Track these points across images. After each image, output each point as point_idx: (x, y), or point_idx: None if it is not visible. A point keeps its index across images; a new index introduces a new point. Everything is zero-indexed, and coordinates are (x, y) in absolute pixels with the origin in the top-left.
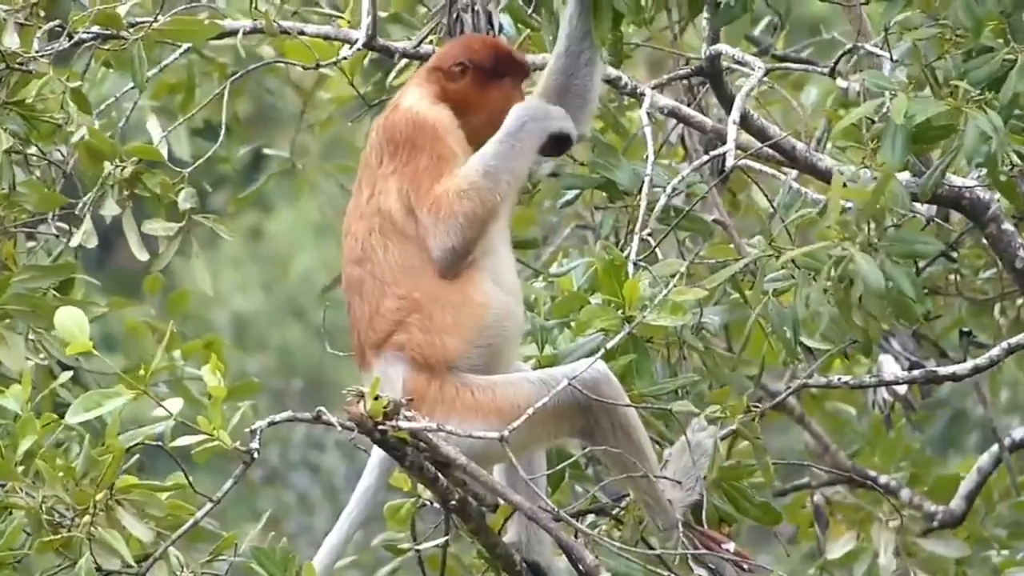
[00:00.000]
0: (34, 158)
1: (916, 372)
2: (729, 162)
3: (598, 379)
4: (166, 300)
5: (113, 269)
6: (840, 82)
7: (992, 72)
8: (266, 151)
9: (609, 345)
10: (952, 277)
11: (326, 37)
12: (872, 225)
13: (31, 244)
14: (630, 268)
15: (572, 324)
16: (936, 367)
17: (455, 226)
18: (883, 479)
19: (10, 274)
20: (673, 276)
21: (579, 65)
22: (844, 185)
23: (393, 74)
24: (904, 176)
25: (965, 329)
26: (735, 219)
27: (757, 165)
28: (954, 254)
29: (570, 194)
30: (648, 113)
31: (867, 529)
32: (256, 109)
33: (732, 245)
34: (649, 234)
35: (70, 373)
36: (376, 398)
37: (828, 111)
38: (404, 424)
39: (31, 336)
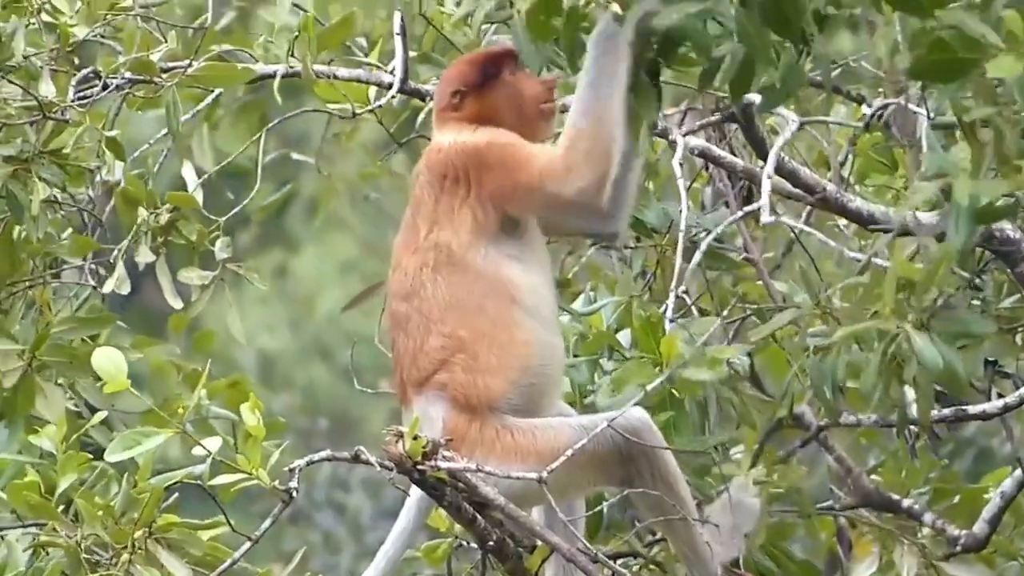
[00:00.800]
0: (68, 206)
1: (946, 411)
2: (764, 218)
3: (640, 428)
4: (191, 339)
5: (138, 308)
6: (865, 108)
7: None
8: (294, 155)
9: (649, 388)
10: (975, 303)
11: (357, 80)
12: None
13: (55, 284)
14: (667, 325)
15: (606, 373)
16: (965, 405)
17: (579, 169)
18: (906, 503)
19: (49, 327)
20: (708, 332)
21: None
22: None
23: (422, 116)
24: (930, 217)
25: (990, 359)
26: (760, 242)
27: (794, 224)
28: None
29: None
30: (680, 163)
31: (890, 551)
32: (284, 143)
33: (761, 281)
34: (685, 291)
35: (104, 414)
36: (415, 438)
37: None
38: (443, 464)
39: (60, 380)
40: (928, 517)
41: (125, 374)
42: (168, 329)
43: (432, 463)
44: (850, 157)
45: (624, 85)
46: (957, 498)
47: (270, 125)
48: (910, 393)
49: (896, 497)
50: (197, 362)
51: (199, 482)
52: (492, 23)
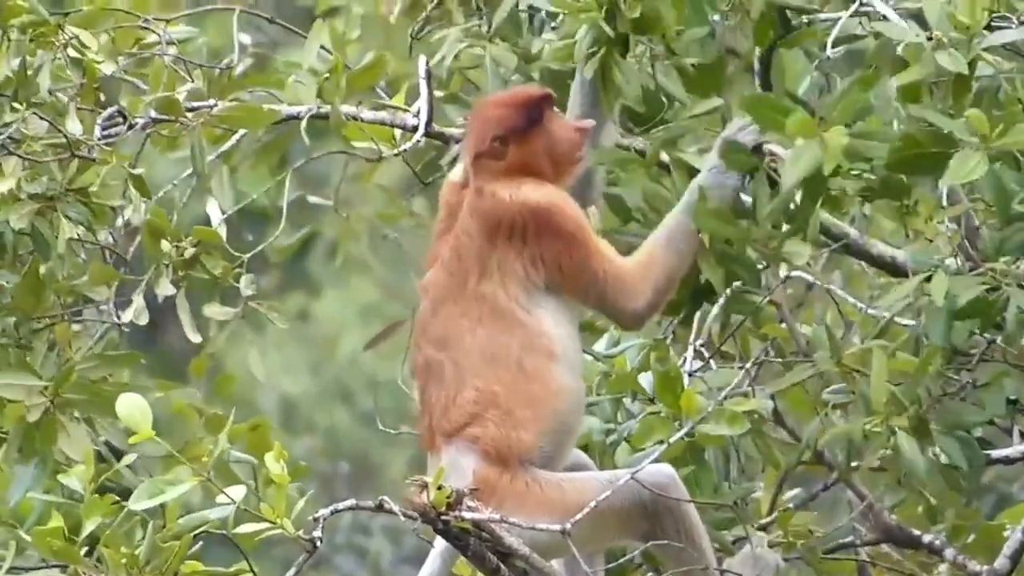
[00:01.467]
0: (92, 244)
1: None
2: (782, 273)
3: (666, 483)
4: (212, 383)
5: (158, 350)
6: None
7: None
8: (310, 199)
9: (660, 451)
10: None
11: (382, 123)
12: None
13: (77, 328)
14: (686, 380)
15: (631, 414)
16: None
17: (644, 292)
18: (927, 538)
19: (72, 364)
20: (728, 386)
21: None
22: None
23: (447, 158)
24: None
25: (1012, 397)
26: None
27: (810, 277)
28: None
29: None
30: None
31: None
32: (305, 184)
33: (783, 324)
34: (703, 345)
35: (132, 458)
36: (439, 488)
37: None
38: (467, 514)
39: (80, 416)
40: (950, 553)
41: (150, 423)
42: (189, 372)
43: (456, 513)
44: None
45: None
46: (972, 536)
47: (296, 166)
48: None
49: (917, 532)
50: (218, 405)
51: (224, 532)
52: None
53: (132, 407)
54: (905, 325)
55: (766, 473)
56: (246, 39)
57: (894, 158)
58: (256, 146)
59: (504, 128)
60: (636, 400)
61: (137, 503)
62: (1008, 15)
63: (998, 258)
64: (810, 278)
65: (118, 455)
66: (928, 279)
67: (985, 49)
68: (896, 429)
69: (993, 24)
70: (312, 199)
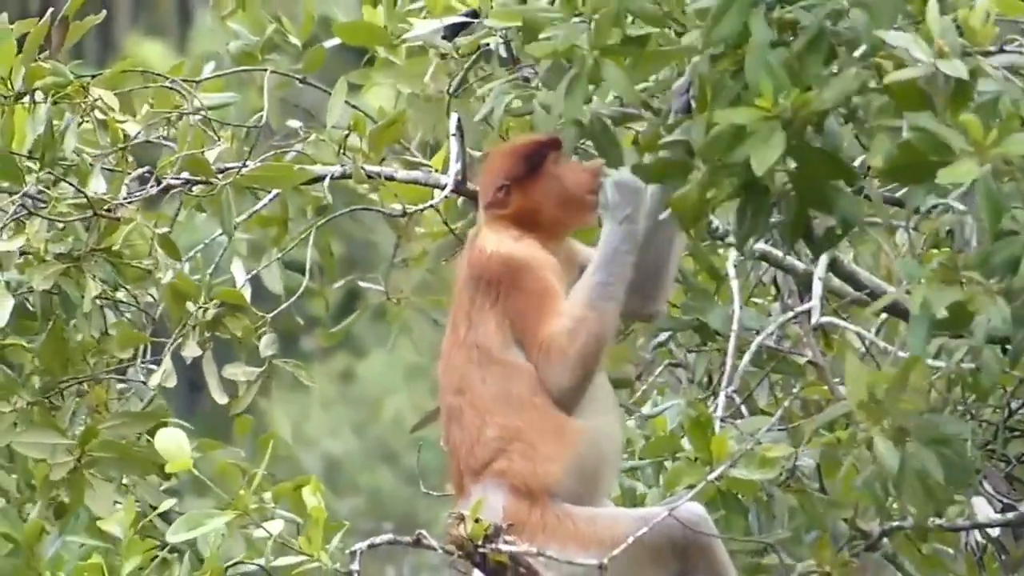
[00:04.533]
0: (123, 304)
1: (1011, 515)
2: (815, 319)
3: (698, 523)
4: (256, 442)
5: (202, 412)
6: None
7: (1013, 255)
8: (361, 283)
9: (696, 489)
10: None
11: (415, 183)
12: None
13: (122, 387)
14: (716, 425)
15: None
16: None
17: (569, 366)
18: None
19: (96, 422)
20: (760, 431)
21: (657, 238)
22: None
23: None
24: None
25: None
26: (830, 357)
27: (842, 323)
28: None
29: (663, 336)
30: (735, 265)
31: None
32: (348, 248)
33: (826, 386)
34: (735, 391)
35: (172, 501)
36: (477, 520)
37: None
38: (505, 547)
39: (124, 481)
40: None
41: (188, 454)
42: (233, 434)
43: (494, 546)
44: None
45: (630, 277)
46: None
47: (320, 222)
48: (981, 505)
49: None
50: (261, 465)
51: (260, 564)
52: (514, 115)
53: (170, 440)
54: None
55: (819, 540)
56: (296, 124)
57: (892, 165)
58: (304, 228)
59: (506, 176)
60: (676, 461)
61: (175, 535)
62: (1017, 37)
63: (981, 271)
64: (842, 323)
65: None
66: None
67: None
68: (875, 435)
69: (1005, 49)
70: (364, 284)
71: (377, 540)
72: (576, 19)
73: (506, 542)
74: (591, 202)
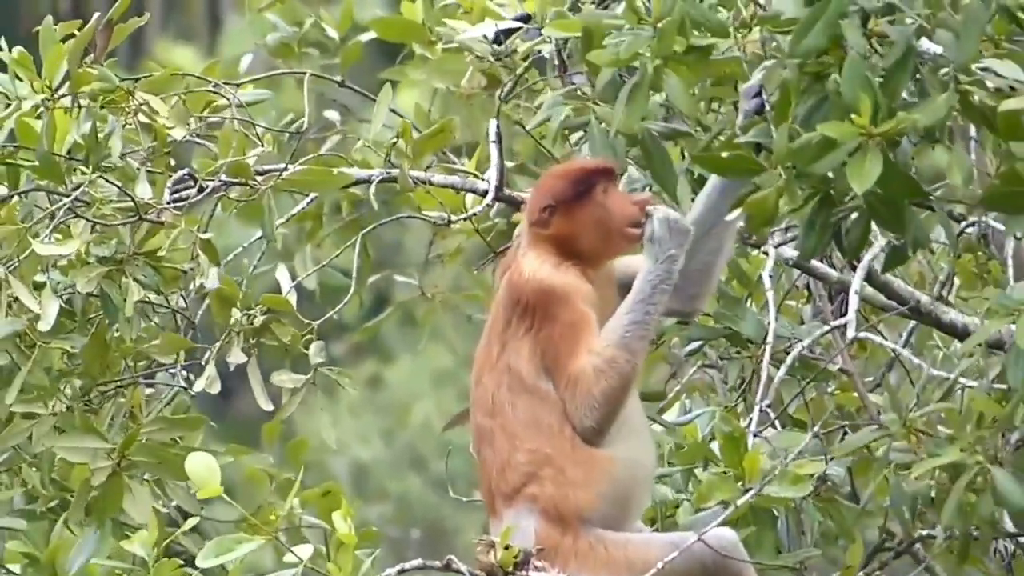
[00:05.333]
0: (159, 307)
1: None
2: (850, 334)
3: (729, 549)
4: (285, 448)
5: (231, 418)
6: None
7: None
8: (397, 278)
9: (726, 514)
10: None
11: (453, 187)
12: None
13: (150, 391)
14: (750, 440)
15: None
16: None
17: (594, 405)
18: None
19: (138, 426)
20: (799, 448)
21: (708, 242)
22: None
23: (518, 229)
24: None
25: None
26: (860, 361)
27: (877, 339)
28: None
29: (694, 344)
30: (770, 275)
31: None
32: (377, 249)
33: (856, 393)
34: (768, 406)
35: (196, 519)
36: (506, 547)
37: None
38: (534, 574)
39: (148, 478)
40: None
41: (219, 480)
42: (261, 437)
43: (524, 573)
44: (948, 273)
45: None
46: None
47: (365, 231)
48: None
49: None
50: (290, 471)
51: None
52: (569, 130)
53: (201, 465)
54: (970, 386)
55: (849, 550)
56: (334, 116)
57: (991, 193)
58: (338, 224)
59: (553, 198)
60: (707, 469)
61: (205, 561)
62: None
63: None
64: (877, 338)
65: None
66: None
67: None
68: (988, 465)
69: None
70: (399, 278)
71: (407, 565)
72: (640, 27)
73: (536, 568)
74: (633, 236)
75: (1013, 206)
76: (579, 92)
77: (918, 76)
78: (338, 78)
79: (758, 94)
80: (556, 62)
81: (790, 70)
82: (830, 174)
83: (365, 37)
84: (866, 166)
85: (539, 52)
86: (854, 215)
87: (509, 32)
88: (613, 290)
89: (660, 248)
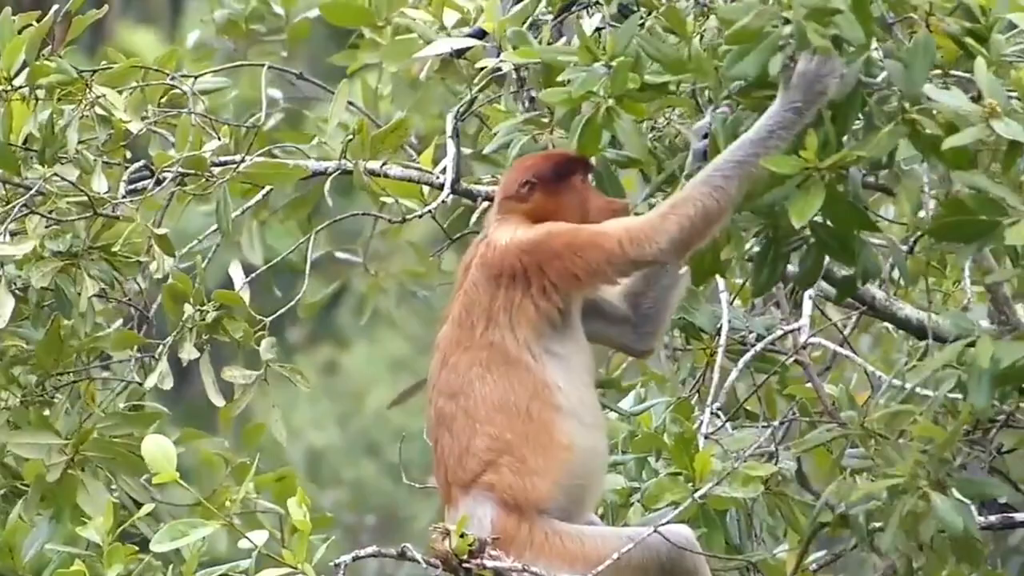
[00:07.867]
0: (111, 299)
1: (993, 517)
2: (802, 339)
3: (684, 544)
4: (240, 432)
5: (187, 401)
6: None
7: None
8: (338, 254)
9: (677, 511)
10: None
11: (409, 180)
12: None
13: (106, 374)
14: (700, 441)
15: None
16: (1012, 512)
17: (667, 228)
18: None
19: (93, 423)
20: (746, 448)
21: (662, 278)
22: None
23: (475, 216)
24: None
25: None
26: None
27: (831, 345)
28: None
29: None
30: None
31: None
32: (337, 237)
33: (809, 384)
34: (719, 408)
35: (152, 505)
36: (462, 535)
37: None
38: (489, 563)
39: (102, 472)
40: None
41: (174, 464)
42: (217, 422)
43: (479, 561)
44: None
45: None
46: None
47: (320, 227)
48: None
49: None
50: (245, 455)
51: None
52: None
53: (156, 449)
54: (925, 396)
55: (789, 536)
56: (277, 95)
57: (938, 223)
58: (285, 201)
59: (534, 175)
60: (661, 459)
61: (159, 545)
62: None
63: None
64: (833, 346)
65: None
66: (971, 344)
67: None
68: (928, 490)
69: None
70: (341, 255)
71: (362, 553)
72: (595, 64)
73: (491, 557)
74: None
75: (959, 236)
76: (542, 120)
77: (865, 107)
78: (296, 71)
79: (707, 135)
80: (515, 79)
81: (730, 104)
82: (777, 208)
83: (312, 13)
84: (808, 199)
85: (498, 70)
86: (805, 247)
87: (464, 50)
88: None
89: (796, 94)
